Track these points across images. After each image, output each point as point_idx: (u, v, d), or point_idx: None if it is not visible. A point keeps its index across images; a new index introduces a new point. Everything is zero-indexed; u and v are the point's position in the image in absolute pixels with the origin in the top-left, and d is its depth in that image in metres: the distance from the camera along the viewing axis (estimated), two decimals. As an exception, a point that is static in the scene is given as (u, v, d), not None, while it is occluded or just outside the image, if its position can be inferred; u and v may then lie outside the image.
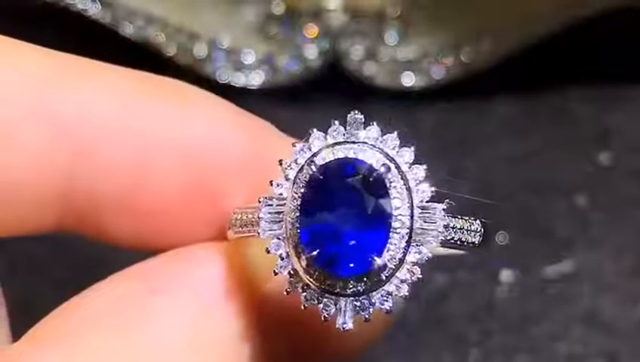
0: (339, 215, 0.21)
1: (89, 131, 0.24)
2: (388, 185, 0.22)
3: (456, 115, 0.49)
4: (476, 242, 0.23)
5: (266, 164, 0.24)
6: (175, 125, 0.25)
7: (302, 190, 0.22)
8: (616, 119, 0.48)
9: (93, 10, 0.47)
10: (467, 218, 0.23)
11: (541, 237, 0.44)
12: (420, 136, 0.47)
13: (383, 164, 0.22)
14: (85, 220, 0.25)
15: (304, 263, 0.22)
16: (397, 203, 0.22)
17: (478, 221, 0.23)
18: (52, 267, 0.42)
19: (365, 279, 0.22)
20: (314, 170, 0.22)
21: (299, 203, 0.22)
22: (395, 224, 0.22)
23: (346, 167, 0.22)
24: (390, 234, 0.22)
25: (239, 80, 0.49)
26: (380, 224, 0.22)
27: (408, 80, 0.49)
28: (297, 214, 0.22)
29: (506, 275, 0.42)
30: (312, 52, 0.49)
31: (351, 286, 0.22)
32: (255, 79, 0.49)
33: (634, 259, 0.43)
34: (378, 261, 0.21)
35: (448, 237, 0.22)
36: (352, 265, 0.21)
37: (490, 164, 0.47)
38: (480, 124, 0.48)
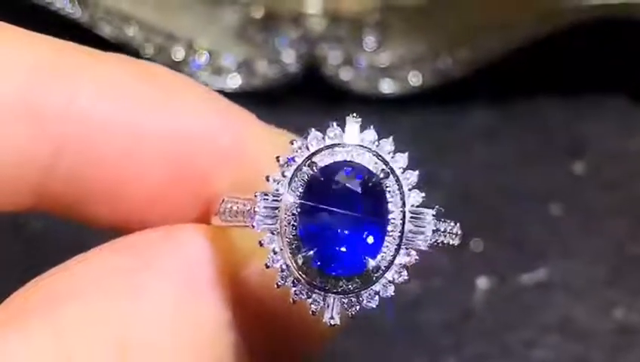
0: (336, 217, 0.22)
1: (72, 124, 0.24)
2: (385, 190, 0.23)
3: (433, 122, 0.49)
4: (455, 244, 0.24)
5: (248, 152, 0.25)
6: (161, 115, 0.25)
7: (300, 190, 0.23)
8: (591, 129, 0.48)
9: (71, 10, 0.46)
10: (449, 221, 0.24)
11: (515, 245, 0.44)
12: (397, 142, 0.47)
13: (382, 170, 0.23)
14: (65, 207, 0.25)
15: (300, 261, 0.22)
16: (391, 207, 0.23)
17: (457, 224, 0.24)
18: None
19: (357, 279, 0.22)
20: (314, 170, 0.23)
21: (298, 202, 0.22)
22: (388, 228, 0.22)
23: (345, 170, 0.23)
24: (385, 237, 0.22)
25: (216, 83, 0.49)
26: (376, 228, 0.22)
27: (386, 86, 0.49)
28: (296, 213, 0.22)
29: (481, 283, 0.42)
30: (290, 56, 0.49)
31: (341, 285, 0.22)
32: (232, 83, 0.49)
33: (607, 268, 0.43)
34: (372, 262, 0.22)
35: (435, 240, 0.23)
36: (346, 266, 0.22)
37: (466, 172, 0.47)
38: (456, 132, 0.49)
